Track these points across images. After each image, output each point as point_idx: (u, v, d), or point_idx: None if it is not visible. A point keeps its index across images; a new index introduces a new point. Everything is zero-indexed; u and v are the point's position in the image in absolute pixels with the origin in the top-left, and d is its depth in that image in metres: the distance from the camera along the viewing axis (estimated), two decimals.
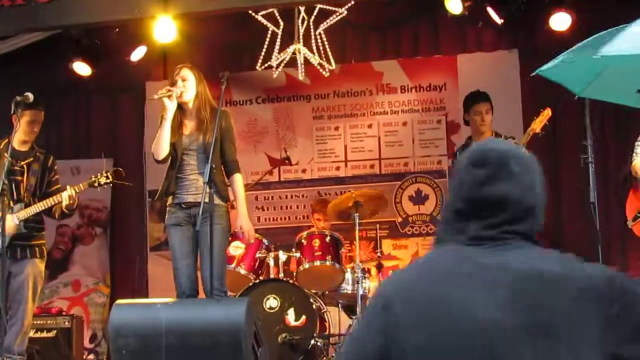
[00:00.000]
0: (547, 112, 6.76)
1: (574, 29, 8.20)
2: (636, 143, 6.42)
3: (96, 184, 6.74)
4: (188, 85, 6.11)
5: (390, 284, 2.45)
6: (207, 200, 5.77)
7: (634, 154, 6.38)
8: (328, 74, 8.37)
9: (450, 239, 2.37)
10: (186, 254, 6.14)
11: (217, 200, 6.06)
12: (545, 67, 4.65)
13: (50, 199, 6.63)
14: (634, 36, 4.04)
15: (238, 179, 6.26)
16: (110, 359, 5.72)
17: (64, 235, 9.93)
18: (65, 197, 6.55)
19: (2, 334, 6.49)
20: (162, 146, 6.12)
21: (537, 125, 6.75)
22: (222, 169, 6.24)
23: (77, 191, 6.64)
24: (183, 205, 6.09)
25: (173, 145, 6.15)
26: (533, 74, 4.74)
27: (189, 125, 6.23)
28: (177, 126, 6.20)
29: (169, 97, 6.03)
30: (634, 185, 6.40)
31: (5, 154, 6.54)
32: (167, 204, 6.28)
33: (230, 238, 6.58)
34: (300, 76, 8.35)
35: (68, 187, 6.66)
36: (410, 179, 9.56)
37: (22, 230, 6.55)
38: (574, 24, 8.33)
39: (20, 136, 6.75)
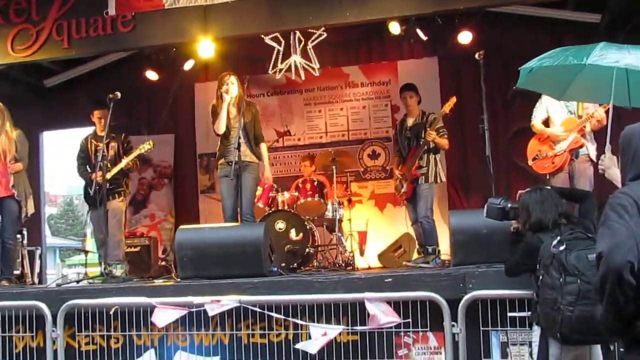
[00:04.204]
0: (453, 99, 6.66)
1: (474, 43, 8.16)
2: (534, 108, 6.24)
3: (143, 150, 6.82)
4: (233, 86, 6.31)
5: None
6: (237, 159, 5.97)
7: (533, 117, 6.21)
8: (317, 73, 8.29)
9: None
10: (230, 196, 6.24)
11: (250, 159, 6.26)
12: (520, 81, 4.30)
13: (117, 166, 6.75)
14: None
15: (263, 147, 6.50)
16: (176, 264, 5.72)
17: (143, 184, 9.89)
18: (121, 166, 6.75)
19: (106, 248, 6.56)
20: (221, 125, 6.28)
21: (447, 108, 6.67)
22: (254, 139, 6.38)
23: (128, 160, 6.76)
24: (229, 163, 6.10)
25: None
26: (514, 87, 4.42)
27: (232, 112, 6.32)
28: (228, 111, 6.36)
29: (227, 92, 6.25)
30: (536, 136, 6.23)
31: (92, 139, 6.96)
32: (219, 162, 6.39)
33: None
34: (295, 77, 8.29)
35: (123, 159, 6.80)
36: (368, 143, 9.49)
37: (108, 186, 6.59)
38: (473, 39, 8.28)
39: (96, 127, 7.00)
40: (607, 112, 5.67)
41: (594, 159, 5.85)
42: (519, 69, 4.20)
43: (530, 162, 6.21)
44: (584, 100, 5.60)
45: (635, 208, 2.37)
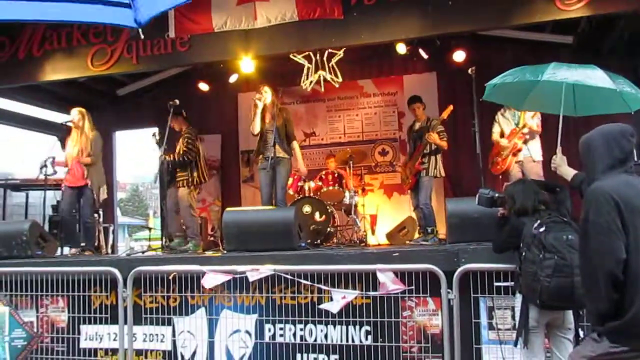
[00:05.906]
0: (450, 107, 6.64)
1: (467, 60, 8.08)
2: (494, 122, 6.36)
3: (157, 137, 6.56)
4: (267, 95, 6.33)
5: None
6: (273, 155, 6.05)
7: (492, 132, 6.35)
8: (337, 85, 8.25)
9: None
10: (267, 185, 6.26)
11: (282, 155, 6.23)
12: (486, 94, 4.27)
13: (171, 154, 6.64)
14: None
15: (295, 145, 6.48)
16: (223, 239, 5.72)
17: None
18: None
19: (166, 226, 6.57)
20: (256, 127, 6.31)
21: (445, 114, 6.65)
22: (286, 138, 6.38)
23: (162, 148, 6.40)
24: (266, 158, 6.12)
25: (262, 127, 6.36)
26: (481, 99, 4.39)
27: (267, 117, 6.33)
28: (263, 116, 6.37)
29: (259, 99, 6.27)
30: (494, 146, 6.37)
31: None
32: (258, 158, 6.41)
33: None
34: (321, 89, 8.27)
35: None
36: (378, 142, 9.42)
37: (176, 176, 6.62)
38: (466, 58, 8.21)
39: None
40: (542, 121, 5.92)
41: (537, 158, 6.03)
42: (485, 85, 4.17)
43: (490, 166, 6.35)
44: (539, 110, 5.63)
45: (612, 202, 2.33)
